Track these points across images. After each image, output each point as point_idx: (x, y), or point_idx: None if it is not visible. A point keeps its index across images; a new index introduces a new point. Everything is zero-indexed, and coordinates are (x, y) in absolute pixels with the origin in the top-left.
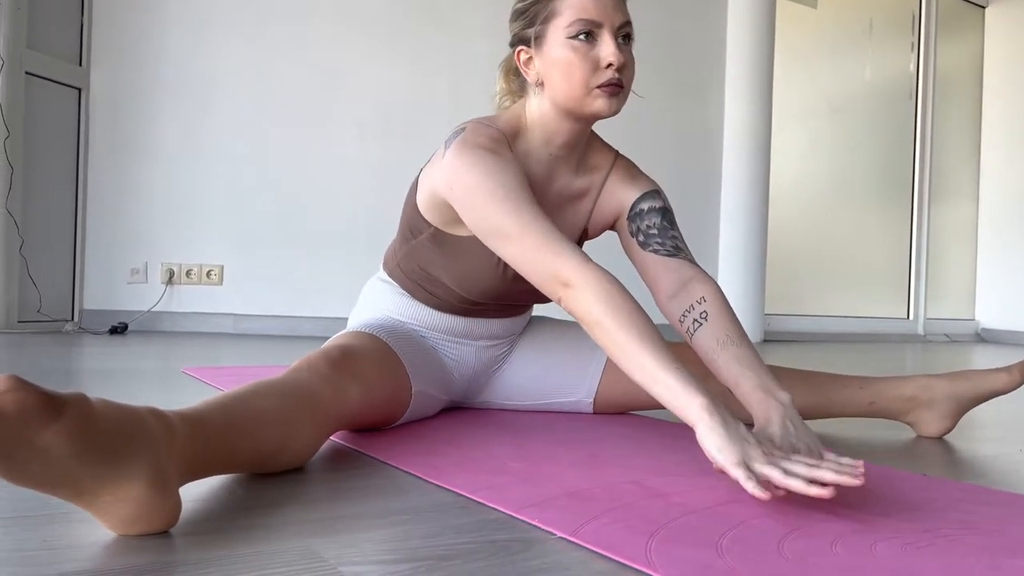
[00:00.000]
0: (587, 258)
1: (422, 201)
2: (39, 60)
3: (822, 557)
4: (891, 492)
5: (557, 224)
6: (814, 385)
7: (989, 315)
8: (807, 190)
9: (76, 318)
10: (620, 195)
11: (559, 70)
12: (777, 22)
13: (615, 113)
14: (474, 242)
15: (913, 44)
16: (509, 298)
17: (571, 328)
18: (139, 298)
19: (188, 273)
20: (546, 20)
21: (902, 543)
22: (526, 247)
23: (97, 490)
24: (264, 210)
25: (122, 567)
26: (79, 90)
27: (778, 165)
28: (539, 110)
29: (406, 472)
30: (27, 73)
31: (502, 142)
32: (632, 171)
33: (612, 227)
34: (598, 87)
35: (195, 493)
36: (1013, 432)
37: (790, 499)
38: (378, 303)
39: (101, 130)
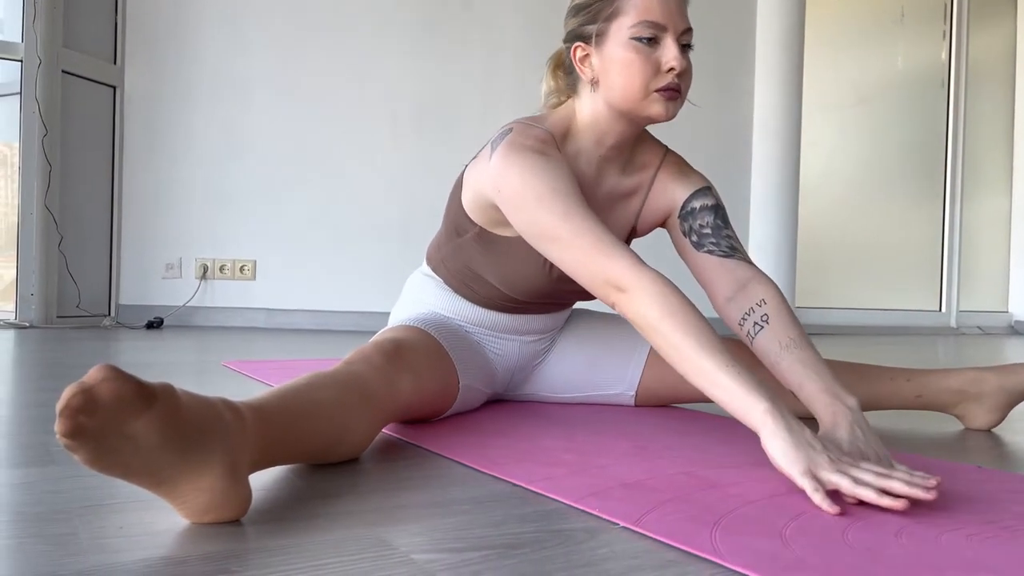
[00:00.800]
0: (640, 261)
1: (468, 201)
2: (75, 59)
3: (889, 547)
4: (948, 484)
5: (607, 224)
6: (860, 376)
7: (1023, 307)
8: (837, 181)
9: (113, 313)
10: (671, 193)
11: (619, 70)
12: (809, 10)
13: (671, 118)
14: (521, 243)
15: (945, 32)
16: (556, 297)
17: (612, 321)
18: (174, 293)
19: (222, 268)
20: (609, 18)
21: (966, 534)
22: (577, 251)
23: (176, 479)
24: (297, 206)
25: (200, 554)
26: (114, 88)
27: (808, 156)
28: (592, 110)
29: (460, 463)
30: (64, 72)
31: (550, 143)
32: (683, 167)
33: (663, 224)
34: (657, 91)
35: (257, 483)
36: None
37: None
38: (422, 298)
39: (136, 127)
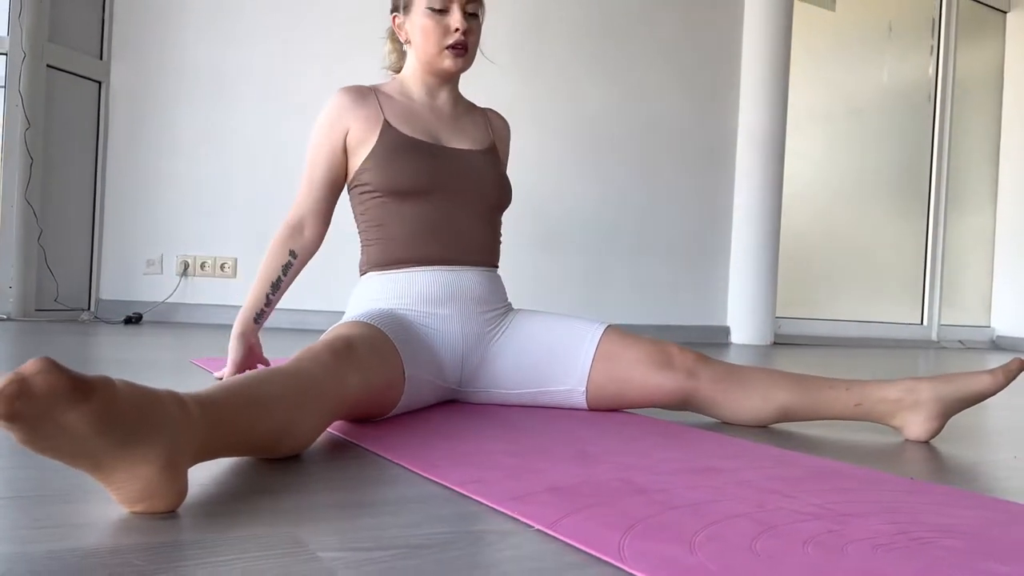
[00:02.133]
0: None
1: (349, 171)
2: (60, 53)
3: (792, 556)
4: (876, 495)
5: (464, 131)
6: (801, 386)
7: (1005, 322)
8: (823, 192)
9: (92, 308)
10: (505, 132)
11: (418, 32)
12: (794, 24)
13: (460, 70)
14: (374, 154)
15: (932, 48)
16: (443, 176)
17: (562, 319)
18: (154, 289)
19: (203, 265)
20: None
21: (874, 544)
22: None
23: (112, 466)
24: (278, 205)
25: (110, 547)
26: (99, 83)
27: (794, 167)
28: (411, 63)
29: (398, 464)
30: (48, 66)
31: (363, 91)
32: (501, 117)
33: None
34: (447, 47)
35: (196, 478)
36: (1006, 437)
37: (774, 493)
38: (363, 295)
39: (120, 123)
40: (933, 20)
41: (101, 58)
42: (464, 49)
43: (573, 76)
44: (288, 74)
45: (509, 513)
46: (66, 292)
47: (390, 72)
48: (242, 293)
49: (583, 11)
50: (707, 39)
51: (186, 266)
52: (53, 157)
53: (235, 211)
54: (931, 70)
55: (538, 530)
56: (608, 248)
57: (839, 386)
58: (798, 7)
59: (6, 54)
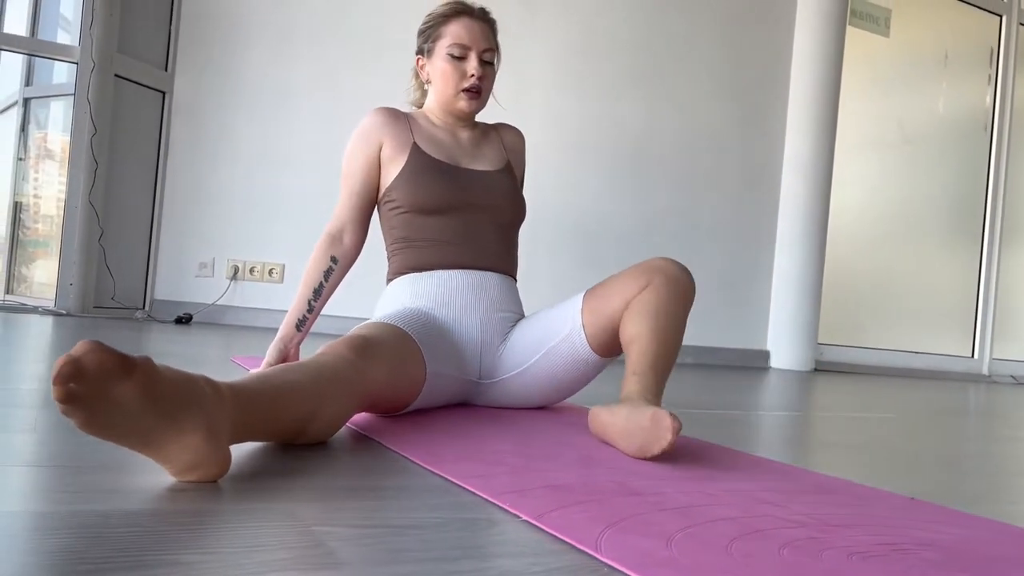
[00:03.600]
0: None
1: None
2: (128, 64)
3: (766, 558)
4: (869, 509)
5: (483, 155)
6: (644, 356)
7: None
8: (874, 220)
9: (146, 307)
10: (518, 144)
11: (438, 76)
12: (848, 49)
13: (474, 112)
14: (404, 173)
15: (990, 77)
16: (463, 195)
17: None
18: (205, 291)
19: (252, 270)
20: (435, 39)
21: (851, 552)
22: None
23: (161, 440)
24: (325, 215)
25: (123, 511)
26: (163, 93)
27: (845, 194)
28: (431, 101)
29: (407, 458)
30: (116, 76)
31: (396, 114)
32: (514, 129)
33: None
34: (462, 91)
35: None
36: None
37: (765, 503)
38: (389, 298)
39: (181, 132)
40: (991, 49)
41: (166, 69)
42: (478, 93)
43: (616, 95)
44: (339, 92)
45: (502, 505)
46: (122, 291)
47: (413, 106)
48: (288, 298)
49: (629, 30)
50: (755, 61)
51: (236, 270)
52: (117, 162)
53: (284, 220)
54: (988, 100)
55: (525, 521)
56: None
57: (634, 377)
58: (851, 32)
59: (77, 63)
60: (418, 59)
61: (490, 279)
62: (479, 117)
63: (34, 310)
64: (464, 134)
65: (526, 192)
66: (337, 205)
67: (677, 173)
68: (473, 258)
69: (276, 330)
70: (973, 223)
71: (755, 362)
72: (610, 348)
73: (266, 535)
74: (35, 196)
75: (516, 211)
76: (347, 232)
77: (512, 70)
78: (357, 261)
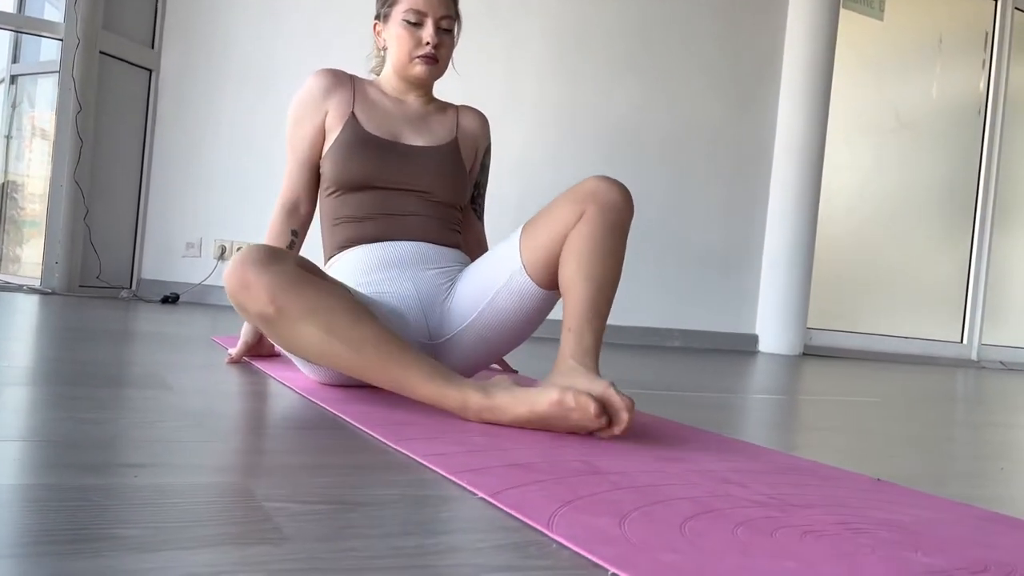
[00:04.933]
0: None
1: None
2: (114, 41)
3: (718, 535)
4: (832, 490)
5: (429, 129)
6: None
7: None
8: (866, 204)
9: (133, 286)
10: (475, 124)
11: (393, 41)
12: (842, 34)
13: (430, 79)
14: (335, 145)
15: (984, 62)
16: (387, 171)
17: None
18: (192, 271)
19: (239, 250)
20: (392, 4)
21: (805, 531)
22: None
23: None
24: None
25: (74, 486)
26: (150, 71)
27: (838, 178)
28: (387, 67)
29: (373, 436)
30: (102, 53)
31: (341, 77)
32: (477, 111)
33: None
34: (417, 57)
35: (182, 435)
36: (1006, 449)
37: (730, 483)
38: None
39: (168, 110)
40: (986, 34)
41: (152, 47)
42: (434, 60)
43: (608, 79)
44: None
45: (459, 482)
46: (108, 270)
47: (372, 73)
48: None
49: (621, 15)
50: (748, 45)
51: (223, 250)
52: (103, 140)
53: (271, 200)
54: (982, 84)
55: (481, 498)
56: (636, 251)
57: (569, 335)
58: (844, 15)
59: (62, 40)
60: (375, 24)
61: (407, 246)
62: (446, 95)
63: (20, 288)
64: (415, 104)
65: (518, 176)
66: (286, 175)
67: (668, 157)
68: (393, 231)
69: None
70: (965, 208)
71: (743, 346)
72: (555, 280)
73: (214, 510)
74: (27, 175)
75: (449, 190)
76: (303, 202)
77: (505, 55)
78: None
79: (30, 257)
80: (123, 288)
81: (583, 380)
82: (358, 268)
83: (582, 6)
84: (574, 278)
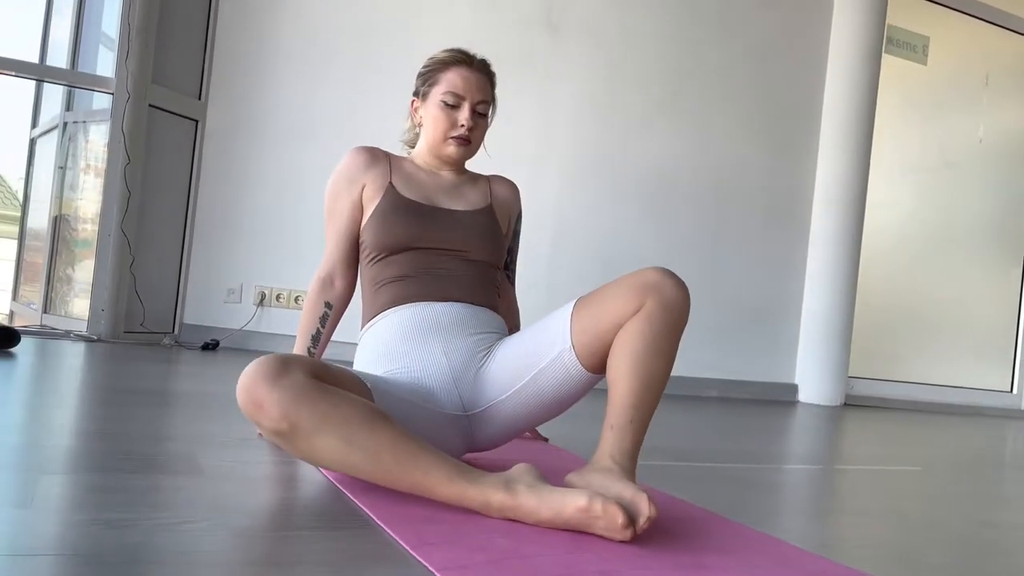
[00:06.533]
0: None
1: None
2: (162, 93)
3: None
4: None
5: (463, 197)
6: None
7: None
8: (909, 246)
9: (176, 331)
10: (507, 192)
11: (430, 121)
12: (884, 76)
13: (462, 159)
14: (375, 213)
15: None
16: (427, 232)
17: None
18: (233, 317)
19: (278, 297)
20: (431, 84)
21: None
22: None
23: None
24: None
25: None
26: (196, 122)
27: (879, 219)
28: (421, 143)
29: (393, 537)
30: (151, 106)
31: (377, 154)
32: (506, 179)
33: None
34: (452, 138)
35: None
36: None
37: None
38: (359, 359)
39: (212, 160)
40: None
41: (199, 98)
42: (467, 142)
43: (643, 124)
44: (365, 126)
45: None
46: (152, 316)
47: (406, 146)
48: None
49: (657, 59)
50: (786, 91)
51: (263, 296)
52: (149, 189)
53: (310, 248)
54: None
55: None
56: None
57: (611, 433)
58: (887, 60)
59: (112, 94)
60: (413, 101)
61: (445, 308)
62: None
63: (67, 335)
64: (448, 176)
65: (551, 224)
66: (325, 250)
67: (703, 202)
68: (431, 291)
69: None
70: (1014, 249)
71: (782, 396)
72: (603, 365)
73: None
74: (80, 199)
75: (488, 249)
76: (337, 276)
77: (538, 96)
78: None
79: (81, 277)
80: (166, 334)
81: (616, 485)
82: (394, 335)
83: (617, 53)
84: (624, 374)
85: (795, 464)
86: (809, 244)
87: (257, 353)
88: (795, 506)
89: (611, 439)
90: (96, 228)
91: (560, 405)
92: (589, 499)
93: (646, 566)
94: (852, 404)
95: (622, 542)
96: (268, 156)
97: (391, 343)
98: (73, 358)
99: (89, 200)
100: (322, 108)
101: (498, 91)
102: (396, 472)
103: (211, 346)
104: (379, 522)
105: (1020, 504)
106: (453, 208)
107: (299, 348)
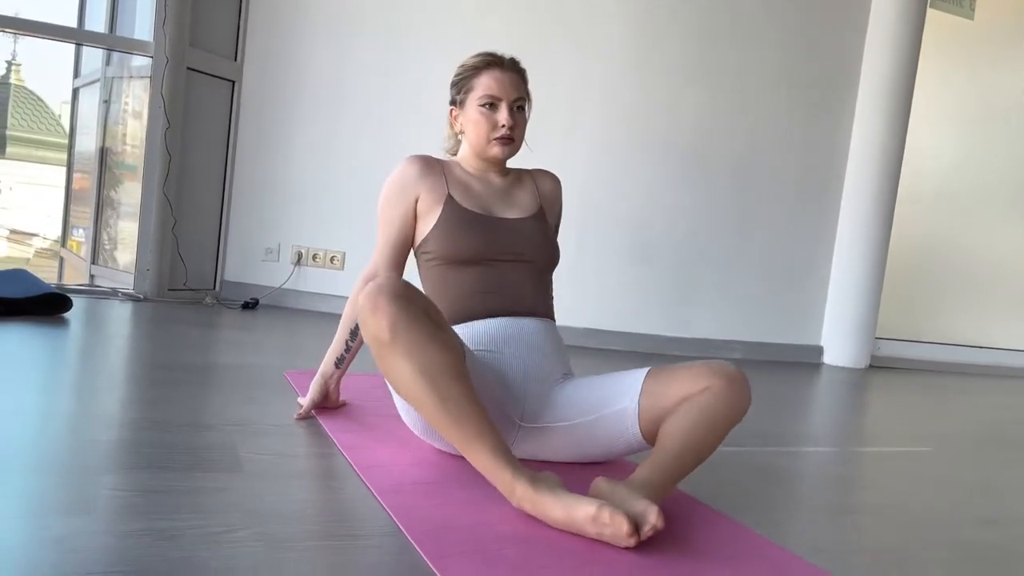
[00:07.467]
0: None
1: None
2: (199, 56)
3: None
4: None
5: (514, 200)
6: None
7: None
8: (950, 201)
9: (217, 288)
10: (551, 186)
11: (471, 126)
12: (928, 32)
13: (507, 157)
14: (439, 224)
15: None
16: (497, 246)
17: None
18: (271, 275)
19: (314, 257)
20: (467, 91)
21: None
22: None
23: None
24: None
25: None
26: (232, 83)
27: (924, 169)
28: (464, 149)
29: (414, 546)
30: (189, 68)
31: (431, 163)
32: (547, 172)
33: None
34: (494, 139)
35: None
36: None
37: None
38: None
39: (249, 121)
40: None
41: (235, 59)
42: (510, 140)
43: (679, 84)
44: (401, 85)
45: None
46: (194, 274)
47: (448, 154)
48: (348, 285)
49: (694, 19)
50: (825, 50)
51: (300, 256)
52: (190, 153)
53: (345, 209)
54: None
55: None
56: (700, 262)
57: (644, 476)
58: (931, 15)
59: (152, 57)
60: (451, 110)
61: (529, 324)
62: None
63: (114, 294)
64: (497, 180)
65: (584, 189)
66: (375, 251)
67: (736, 163)
68: (510, 305)
69: (337, 316)
70: None
71: (807, 358)
72: (655, 437)
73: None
74: (123, 128)
75: (548, 257)
76: (381, 276)
77: (574, 60)
78: None
79: (128, 199)
80: (207, 291)
81: (633, 498)
82: (481, 338)
83: (651, 16)
84: (678, 432)
85: (806, 447)
86: (841, 205)
87: (295, 312)
88: (800, 501)
89: (647, 470)
90: (141, 152)
91: (601, 453)
92: (599, 508)
93: (655, 570)
94: (878, 366)
95: (627, 548)
96: (303, 117)
97: (473, 345)
98: (119, 324)
99: (132, 129)
100: (356, 69)
101: (531, 57)
102: (454, 421)
103: (251, 305)
104: (402, 528)
105: None
106: (511, 216)
107: (338, 340)
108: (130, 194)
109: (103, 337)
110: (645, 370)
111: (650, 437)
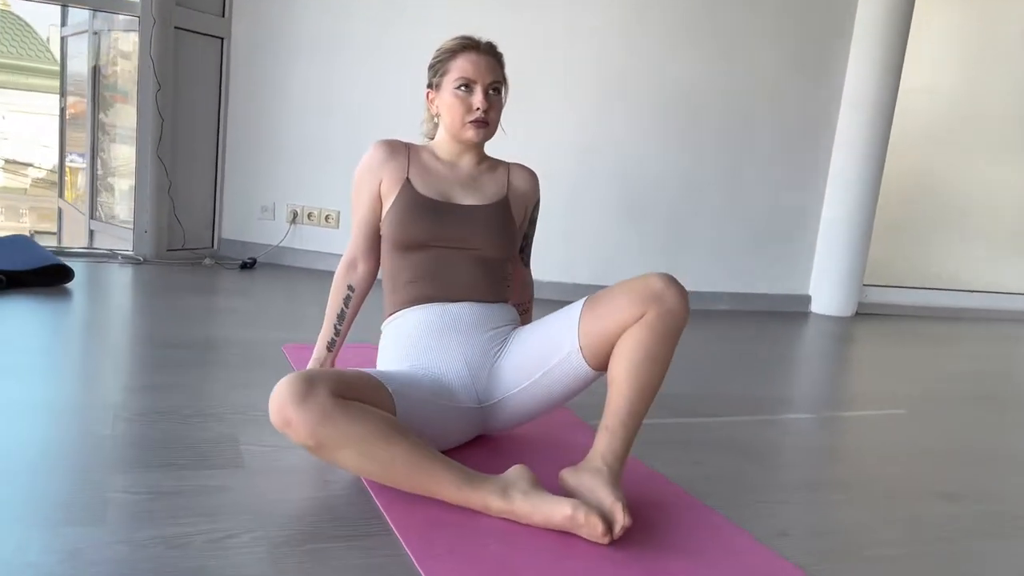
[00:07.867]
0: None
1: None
2: (186, 15)
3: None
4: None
5: (481, 187)
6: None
7: None
8: (944, 137)
9: (215, 246)
10: (525, 181)
11: (446, 109)
12: None
13: (482, 141)
14: (392, 209)
15: None
16: (439, 231)
17: (552, 313)
18: (267, 233)
19: (309, 215)
20: (443, 74)
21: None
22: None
23: None
24: None
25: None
26: (221, 39)
27: (918, 105)
28: (441, 132)
29: (406, 549)
30: (176, 28)
31: (396, 147)
32: (525, 169)
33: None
34: (469, 122)
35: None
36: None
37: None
38: (382, 351)
39: (240, 78)
40: None
41: (223, 15)
42: (484, 124)
43: (668, 37)
44: (392, 42)
45: None
46: (192, 234)
47: (426, 137)
48: (343, 243)
49: None
50: (816, 2)
51: (295, 215)
52: (181, 114)
53: (340, 167)
54: None
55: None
56: (691, 214)
57: (604, 435)
58: None
59: (139, 17)
60: (428, 93)
61: (461, 309)
62: (496, 152)
63: (114, 256)
64: (467, 166)
65: (574, 145)
66: (351, 236)
67: (727, 115)
68: (441, 292)
69: (332, 274)
70: None
71: (794, 307)
72: (608, 362)
73: None
74: (114, 53)
75: (500, 245)
76: (360, 260)
77: (567, 16)
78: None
79: (122, 122)
80: (206, 250)
81: (600, 491)
82: (415, 332)
83: None
84: (621, 379)
85: (783, 414)
86: (832, 154)
87: (293, 270)
88: (772, 479)
89: (604, 441)
90: (133, 74)
91: (565, 398)
92: (574, 509)
93: (631, 562)
94: (865, 313)
95: (604, 544)
96: (294, 72)
97: (413, 340)
98: (121, 294)
99: (123, 51)
100: (348, 25)
101: (527, 13)
102: (408, 479)
103: (249, 265)
104: (392, 526)
105: (991, 465)
106: (468, 203)
107: (327, 325)
108: (123, 117)
109: (105, 311)
110: (579, 306)
111: (602, 365)
